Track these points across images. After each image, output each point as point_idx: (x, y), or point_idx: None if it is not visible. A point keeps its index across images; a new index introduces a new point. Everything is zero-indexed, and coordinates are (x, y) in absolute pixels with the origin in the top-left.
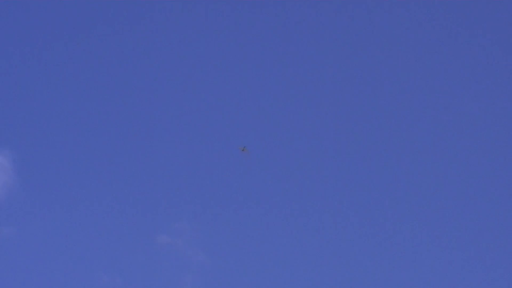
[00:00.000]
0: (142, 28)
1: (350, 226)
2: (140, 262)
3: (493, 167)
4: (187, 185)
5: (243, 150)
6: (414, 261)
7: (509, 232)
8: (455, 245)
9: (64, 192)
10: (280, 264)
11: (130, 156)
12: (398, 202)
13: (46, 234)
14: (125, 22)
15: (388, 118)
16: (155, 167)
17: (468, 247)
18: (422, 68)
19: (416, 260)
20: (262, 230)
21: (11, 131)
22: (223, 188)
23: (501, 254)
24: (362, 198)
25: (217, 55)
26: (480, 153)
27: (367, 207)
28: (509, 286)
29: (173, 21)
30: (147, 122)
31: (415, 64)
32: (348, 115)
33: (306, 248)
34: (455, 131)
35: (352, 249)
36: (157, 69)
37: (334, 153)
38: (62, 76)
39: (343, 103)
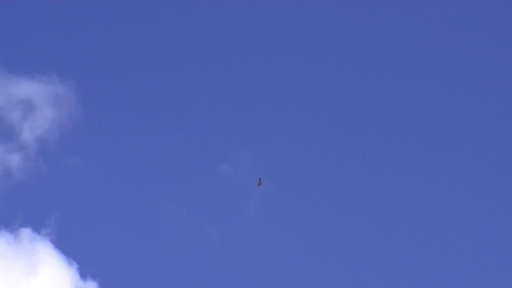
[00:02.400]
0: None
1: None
2: (202, 191)
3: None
4: (247, 114)
5: (259, 183)
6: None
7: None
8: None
9: (127, 122)
10: (344, 188)
11: (193, 87)
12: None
13: (110, 164)
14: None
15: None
16: (216, 98)
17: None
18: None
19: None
20: (324, 157)
21: (75, 61)
22: (283, 116)
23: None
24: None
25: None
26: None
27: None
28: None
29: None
30: (208, 52)
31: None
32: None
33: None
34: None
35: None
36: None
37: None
38: (126, 8)
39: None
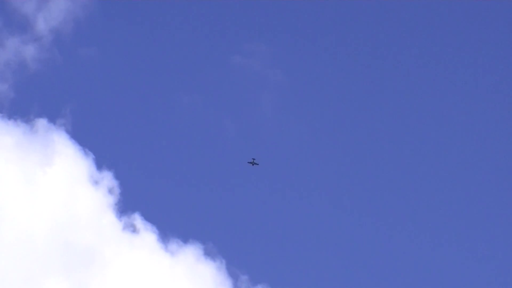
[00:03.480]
0: None
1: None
2: (216, 83)
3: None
4: (258, 4)
5: (252, 163)
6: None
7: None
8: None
9: (142, 13)
10: (357, 76)
11: None
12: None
13: (125, 55)
14: None
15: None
16: None
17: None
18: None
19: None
20: (336, 45)
21: None
22: (295, 6)
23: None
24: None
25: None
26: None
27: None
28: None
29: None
30: None
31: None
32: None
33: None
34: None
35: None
36: None
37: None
38: None
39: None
